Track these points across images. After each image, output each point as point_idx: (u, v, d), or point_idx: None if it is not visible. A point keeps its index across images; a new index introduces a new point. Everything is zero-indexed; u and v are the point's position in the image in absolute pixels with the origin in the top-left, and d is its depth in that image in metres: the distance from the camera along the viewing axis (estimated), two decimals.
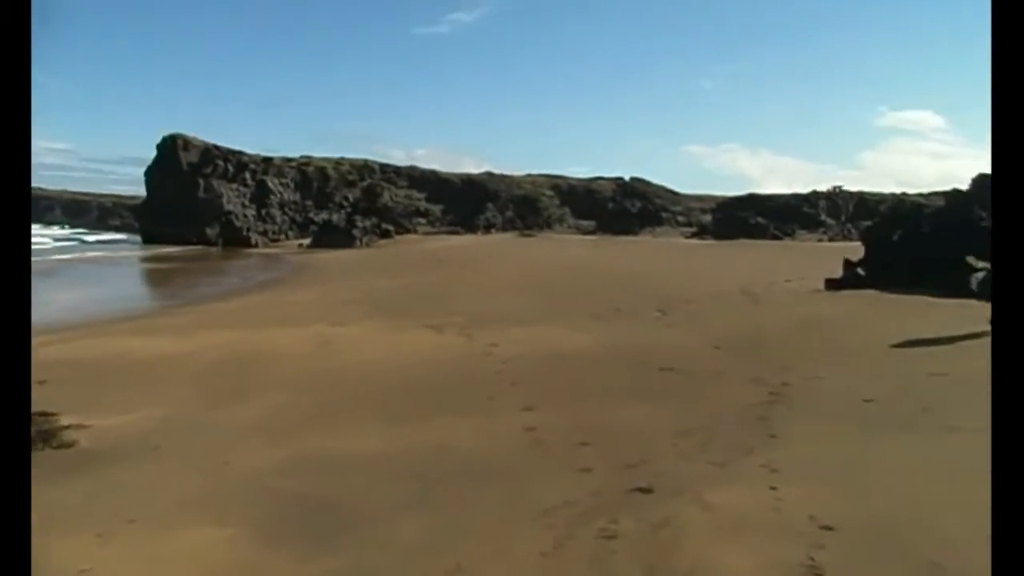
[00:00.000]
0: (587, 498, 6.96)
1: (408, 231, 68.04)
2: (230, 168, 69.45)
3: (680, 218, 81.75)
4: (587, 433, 8.93)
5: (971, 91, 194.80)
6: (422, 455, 8.51)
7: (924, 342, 14.33)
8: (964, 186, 30.30)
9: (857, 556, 5.55)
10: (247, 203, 68.98)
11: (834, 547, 5.68)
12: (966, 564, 5.32)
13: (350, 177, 76.96)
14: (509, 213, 78.88)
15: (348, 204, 71.79)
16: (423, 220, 75.51)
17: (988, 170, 30.84)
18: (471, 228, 72.90)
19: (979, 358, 12.54)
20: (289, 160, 74.89)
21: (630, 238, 65.20)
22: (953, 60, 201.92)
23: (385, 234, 62.63)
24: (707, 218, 75.43)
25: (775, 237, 62.36)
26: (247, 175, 70.21)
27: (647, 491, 7.04)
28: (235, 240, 64.13)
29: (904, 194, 73.64)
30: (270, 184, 70.73)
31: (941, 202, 33.28)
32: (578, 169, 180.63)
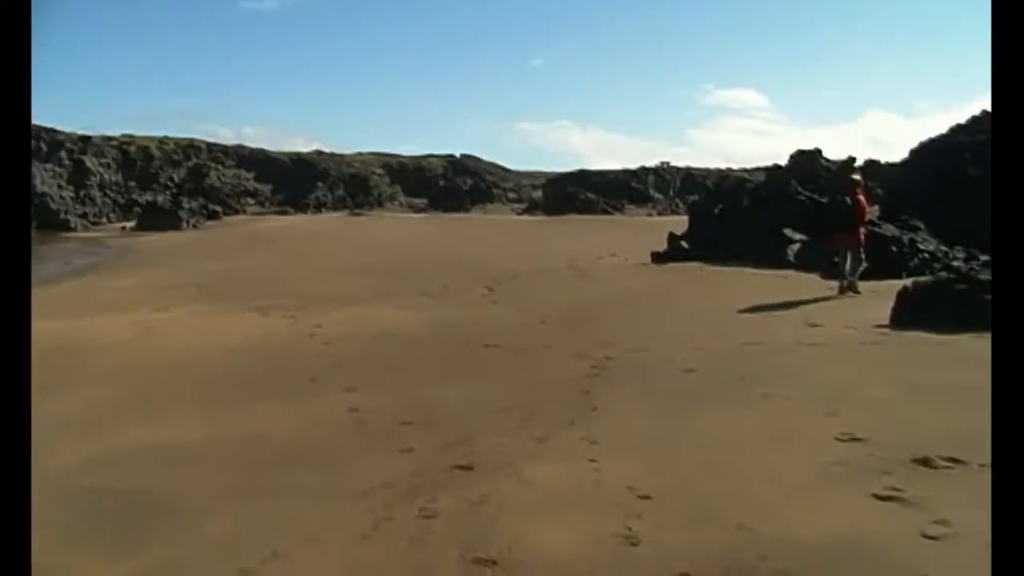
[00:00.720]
0: (407, 478, 6.85)
1: (237, 212, 66.18)
2: (43, 147, 65.77)
3: (511, 194, 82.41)
4: (410, 412, 8.81)
5: (791, 71, 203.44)
6: (241, 442, 8.23)
7: (744, 312, 14.77)
8: (784, 162, 31.55)
9: (672, 523, 5.62)
10: (64, 184, 65.50)
11: (651, 516, 5.73)
12: (771, 524, 5.47)
13: (175, 157, 74.24)
14: (340, 192, 77.78)
15: (174, 185, 69.27)
16: (252, 200, 73.60)
17: (805, 146, 32.23)
18: (301, 208, 71.46)
19: (791, 327, 13.03)
20: (109, 139, 71.41)
21: (461, 215, 65.25)
22: (775, 40, 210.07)
23: (213, 215, 60.70)
24: (538, 194, 76.22)
25: (605, 212, 63.47)
26: (63, 154, 66.63)
27: (467, 468, 6.98)
28: (51, 224, 60.68)
29: (729, 169, 76.41)
30: (89, 164, 67.33)
31: (763, 177, 34.57)
32: (409, 146, 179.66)
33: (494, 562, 5.23)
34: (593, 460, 6.92)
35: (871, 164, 31.50)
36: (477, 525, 5.80)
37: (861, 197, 17.54)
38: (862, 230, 17.64)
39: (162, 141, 75.19)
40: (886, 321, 12.97)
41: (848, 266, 17.30)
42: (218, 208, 62.56)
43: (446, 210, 69.43)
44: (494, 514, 5.96)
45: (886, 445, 6.81)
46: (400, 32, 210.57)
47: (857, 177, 18.52)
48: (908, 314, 12.95)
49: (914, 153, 28.42)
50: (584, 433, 7.73)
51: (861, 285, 16.90)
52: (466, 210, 70.72)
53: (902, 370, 9.77)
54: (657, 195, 74.91)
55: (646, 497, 6.04)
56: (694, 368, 10.21)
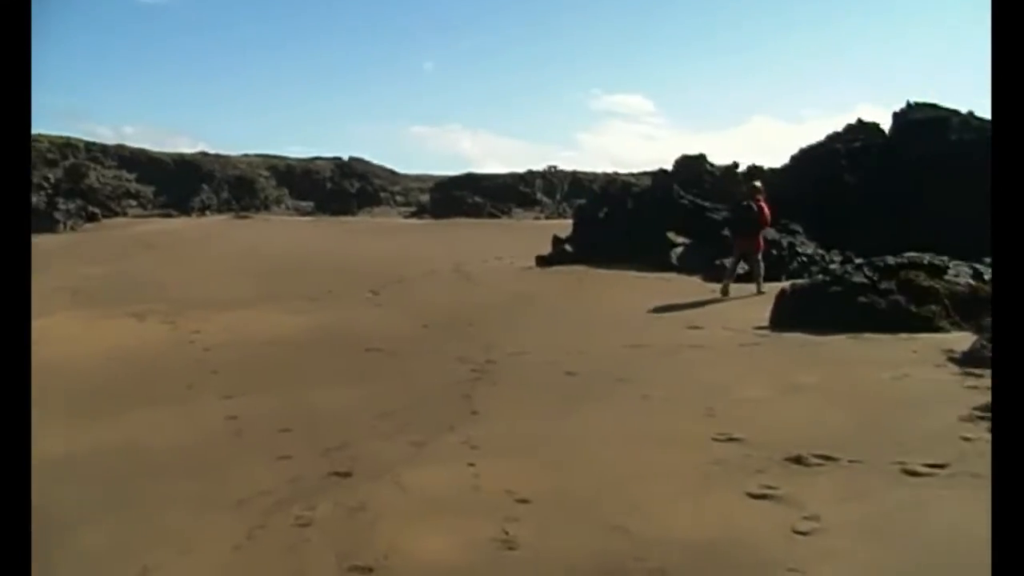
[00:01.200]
0: (284, 486, 6.69)
1: (117, 214, 64.13)
2: None
3: (399, 198, 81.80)
4: (289, 419, 8.62)
5: (679, 77, 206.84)
6: (114, 452, 7.93)
7: (626, 315, 14.93)
8: (669, 166, 32.02)
9: (550, 526, 5.60)
10: None
11: (528, 519, 5.71)
12: (648, 525, 5.51)
13: (50, 156, 71.49)
14: (225, 195, 76.03)
15: (49, 185, 66.74)
16: (134, 202, 71.32)
17: (691, 151, 32.78)
18: (185, 211, 69.71)
19: (672, 329, 13.23)
20: None
21: (348, 218, 64.59)
22: (663, 46, 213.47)
23: (92, 217, 58.60)
24: (425, 198, 75.95)
25: (492, 215, 63.58)
26: None
27: (346, 475, 6.86)
28: None
29: (616, 174, 77.26)
30: None
31: (649, 182, 35.05)
32: (297, 149, 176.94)
33: (370, 569, 5.14)
34: (472, 464, 6.87)
35: (755, 169, 32.18)
36: (354, 532, 5.69)
37: (764, 204, 17.98)
38: (761, 236, 18.14)
39: (36, 139, 72.47)
40: (765, 323, 13.26)
41: (753, 271, 17.92)
42: (97, 210, 60.41)
43: (333, 213, 68.57)
44: (371, 520, 5.86)
45: (761, 444, 6.95)
46: (289, 31, 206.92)
47: (759, 184, 18.96)
48: (786, 316, 13.27)
49: (794, 159, 29.15)
50: (464, 437, 7.68)
51: (737, 288, 17.30)
52: (353, 213, 70.01)
53: (779, 370, 9.98)
54: (545, 199, 75.27)
55: (524, 501, 6.02)
56: (575, 371, 10.27)
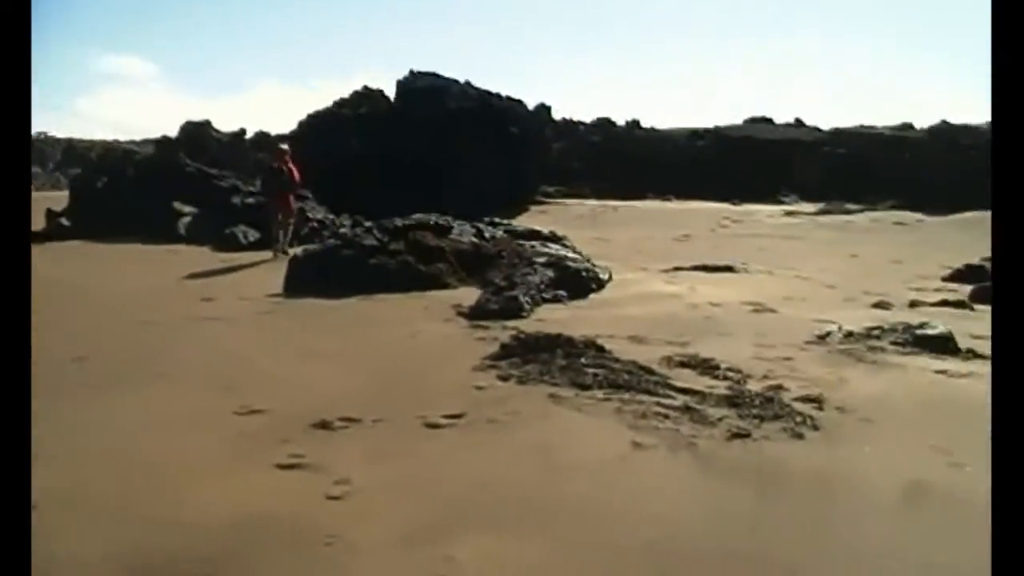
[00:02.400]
0: None
1: None
2: None
3: None
4: None
5: (182, 38, 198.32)
6: None
7: (135, 290, 14.14)
8: (174, 133, 30.72)
9: (81, 530, 4.96)
10: None
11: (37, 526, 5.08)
12: (185, 511, 5.12)
13: None
14: None
15: None
16: None
17: (196, 117, 31.71)
18: None
19: (185, 302, 12.70)
20: None
21: None
22: (165, 6, 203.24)
23: None
24: None
25: None
26: None
27: None
28: None
29: (116, 141, 72.78)
30: None
31: (152, 150, 33.45)
32: None
33: None
34: None
35: (261, 136, 31.93)
36: None
37: (292, 167, 18.21)
38: (292, 198, 18.41)
39: None
40: (280, 290, 13.16)
41: (281, 231, 17.99)
42: None
43: None
44: None
45: (285, 414, 6.79)
46: None
47: (285, 147, 19.09)
48: (300, 282, 13.28)
49: (303, 125, 29.30)
50: None
51: (252, 256, 17.17)
52: None
53: (296, 337, 9.94)
54: (36, 169, 69.32)
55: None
56: (84, 355, 9.38)
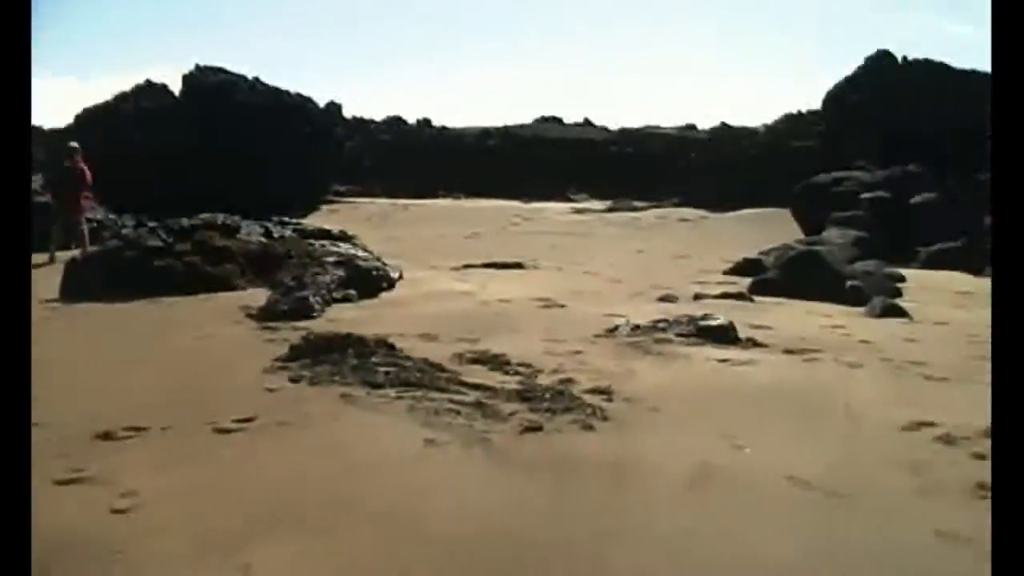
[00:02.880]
0: None
1: None
2: None
3: None
4: None
5: None
6: None
7: None
8: None
9: None
10: None
11: None
12: None
13: None
14: None
15: None
16: None
17: None
18: None
19: None
20: None
21: None
22: None
23: None
24: None
25: None
26: None
27: None
28: None
29: None
30: None
31: None
32: None
33: None
34: None
35: (34, 130, 30.23)
36: None
37: (83, 166, 17.71)
38: (83, 197, 17.95)
39: None
40: (56, 295, 12.53)
41: (65, 233, 17.54)
42: None
43: None
44: None
45: (63, 426, 6.43)
46: None
47: (75, 144, 18.35)
48: (79, 286, 12.70)
49: (79, 120, 28.01)
50: None
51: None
52: None
53: (74, 344, 9.52)
54: None
55: None
56: None
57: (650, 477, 5.39)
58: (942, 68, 35.91)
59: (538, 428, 6.18)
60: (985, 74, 35.42)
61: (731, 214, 29.13)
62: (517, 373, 7.73)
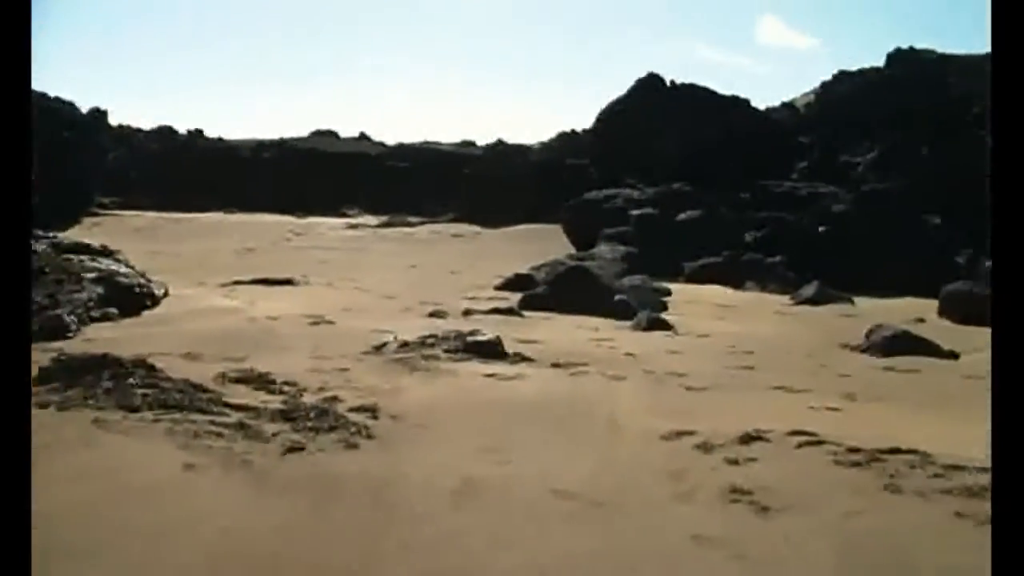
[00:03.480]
0: None
1: None
2: None
3: None
4: None
5: None
6: None
7: None
8: None
9: None
10: None
11: None
12: None
13: None
14: None
15: None
16: None
17: None
18: None
19: None
20: None
21: None
22: None
23: None
24: None
25: None
26: None
27: None
28: None
29: None
30: None
31: None
32: None
33: None
34: None
35: None
36: None
37: None
38: None
39: None
40: None
41: None
42: None
43: None
44: None
45: None
46: None
47: None
48: None
49: None
50: None
51: None
52: None
53: None
54: None
55: None
56: None
57: (414, 494, 5.35)
58: (706, 92, 37.92)
59: (301, 448, 6.04)
60: (746, 100, 37.85)
61: (505, 229, 29.61)
62: (282, 392, 7.54)
